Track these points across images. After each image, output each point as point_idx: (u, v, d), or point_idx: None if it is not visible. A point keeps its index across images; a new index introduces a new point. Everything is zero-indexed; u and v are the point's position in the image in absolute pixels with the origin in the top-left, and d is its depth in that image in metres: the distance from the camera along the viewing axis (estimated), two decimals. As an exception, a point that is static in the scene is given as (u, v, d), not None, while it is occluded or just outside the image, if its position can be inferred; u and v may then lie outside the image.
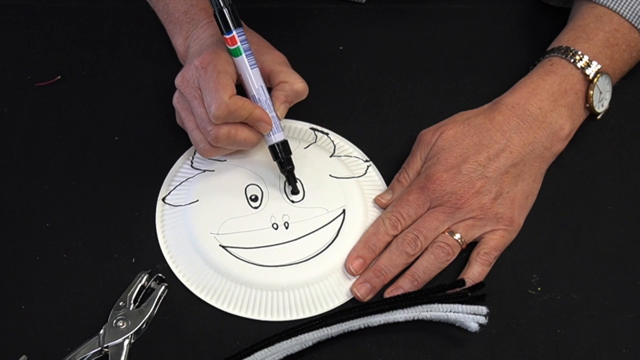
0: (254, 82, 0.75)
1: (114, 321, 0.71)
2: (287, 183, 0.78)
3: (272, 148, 0.76)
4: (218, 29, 0.76)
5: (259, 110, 0.74)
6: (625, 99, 0.86)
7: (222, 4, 0.73)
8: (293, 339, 0.69)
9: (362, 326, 0.70)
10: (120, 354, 0.69)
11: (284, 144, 0.76)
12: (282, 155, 0.76)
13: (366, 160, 0.83)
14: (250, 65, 0.75)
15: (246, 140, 0.75)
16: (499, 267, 0.76)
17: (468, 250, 0.76)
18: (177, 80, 0.76)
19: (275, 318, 0.73)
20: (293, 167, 0.77)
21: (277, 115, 0.76)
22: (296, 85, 0.77)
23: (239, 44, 0.74)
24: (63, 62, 0.89)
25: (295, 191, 0.78)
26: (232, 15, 0.74)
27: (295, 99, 0.78)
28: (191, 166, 0.81)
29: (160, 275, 0.74)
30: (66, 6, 0.88)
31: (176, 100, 0.78)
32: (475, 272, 0.74)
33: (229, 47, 0.74)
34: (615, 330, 0.72)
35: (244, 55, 0.74)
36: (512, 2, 0.96)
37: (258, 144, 0.77)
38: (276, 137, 0.76)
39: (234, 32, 0.73)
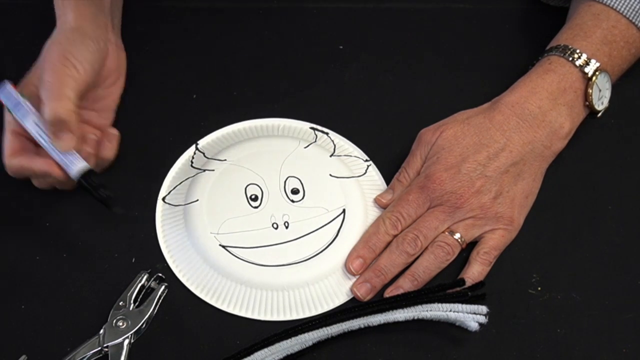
0: (31, 130, 0.73)
1: (114, 321, 0.71)
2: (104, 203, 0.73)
3: (79, 183, 0.72)
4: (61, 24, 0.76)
5: (37, 163, 0.73)
6: (625, 98, 0.86)
7: None
8: (293, 338, 0.69)
9: (362, 326, 0.70)
10: (120, 354, 0.69)
11: (88, 173, 0.72)
12: (88, 184, 0.72)
13: (366, 160, 0.83)
14: (23, 116, 0.73)
15: (50, 184, 0.76)
16: (499, 267, 0.76)
17: (468, 249, 0.76)
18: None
19: (275, 318, 0.73)
20: (108, 193, 0.72)
21: (60, 149, 0.72)
22: (46, 114, 0.71)
23: (5, 104, 0.73)
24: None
25: (110, 208, 0.72)
26: None
27: (58, 127, 0.71)
28: (191, 166, 0.81)
29: (160, 275, 0.74)
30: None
31: None
32: (475, 272, 0.74)
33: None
34: (615, 330, 0.72)
35: (12, 113, 0.72)
36: (512, 2, 0.96)
37: None
38: (74, 169, 0.72)
39: None
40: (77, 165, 0.73)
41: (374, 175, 0.82)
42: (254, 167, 0.80)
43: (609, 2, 0.82)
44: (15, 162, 0.74)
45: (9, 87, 0.72)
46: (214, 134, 0.84)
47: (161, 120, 0.84)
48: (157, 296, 0.72)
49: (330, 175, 0.81)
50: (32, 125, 0.73)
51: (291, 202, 0.78)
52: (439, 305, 0.70)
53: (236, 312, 0.73)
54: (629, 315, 0.73)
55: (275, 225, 0.77)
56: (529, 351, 0.71)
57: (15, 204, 0.79)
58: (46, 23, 0.94)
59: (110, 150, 0.78)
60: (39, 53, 0.90)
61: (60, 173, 0.73)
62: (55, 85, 0.72)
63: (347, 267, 0.75)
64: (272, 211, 0.77)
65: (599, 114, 0.84)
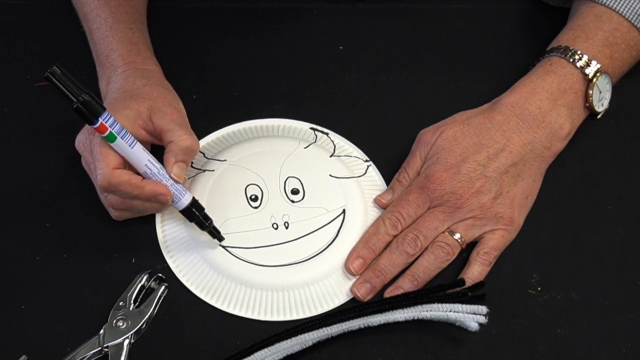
0: (139, 160, 0.71)
1: (114, 321, 0.71)
2: (212, 235, 0.75)
3: (184, 212, 0.74)
4: (130, 78, 0.75)
5: (149, 186, 0.71)
6: (625, 99, 0.86)
7: (74, 100, 0.68)
8: (293, 339, 0.69)
9: (362, 326, 0.70)
10: (120, 354, 0.69)
11: (194, 203, 0.74)
12: (197, 214, 0.74)
13: (366, 160, 0.83)
14: (130, 145, 0.70)
15: (145, 209, 0.74)
16: (499, 267, 0.76)
17: (468, 250, 0.76)
18: (76, 143, 0.75)
19: (275, 318, 0.73)
20: (212, 221, 0.74)
21: (173, 179, 0.72)
22: (182, 142, 0.72)
23: (109, 129, 0.69)
24: (63, 62, 0.89)
25: (220, 239, 0.75)
26: (90, 105, 0.68)
27: (187, 157, 0.73)
28: (191, 166, 0.81)
29: (160, 275, 0.74)
30: (67, 6, 0.88)
31: (83, 162, 0.77)
32: (475, 272, 0.74)
33: (101, 135, 0.70)
34: (615, 330, 0.72)
35: (118, 138, 0.70)
36: (512, 2, 0.96)
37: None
38: (184, 201, 0.73)
39: (100, 120, 0.68)
40: (186, 195, 0.73)
41: (374, 175, 0.82)
42: (254, 167, 0.80)
43: (611, 4, 0.82)
44: (123, 175, 0.70)
45: (109, 115, 0.70)
46: (213, 134, 0.84)
47: (161, 120, 0.84)
48: (157, 296, 0.72)
49: (330, 175, 0.81)
50: (141, 153, 0.71)
51: (291, 203, 0.78)
52: (439, 305, 0.70)
53: (236, 312, 0.73)
54: (629, 315, 0.73)
55: (275, 226, 0.77)
56: (529, 351, 0.71)
57: (15, 204, 0.79)
58: (46, 23, 0.94)
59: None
60: (39, 53, 0.90)
61: (171, 198, 0.72)
62: (184, 121, 0.75)
63: (347, 267, 0.75)
64: (272, 211, 0.77)
65: (599, 116, 0.84)
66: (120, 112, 0.72)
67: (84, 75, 0.87)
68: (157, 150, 0.75)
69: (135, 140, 0.71)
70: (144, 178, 0.72)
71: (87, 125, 0.73)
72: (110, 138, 0.70)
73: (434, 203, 0.76)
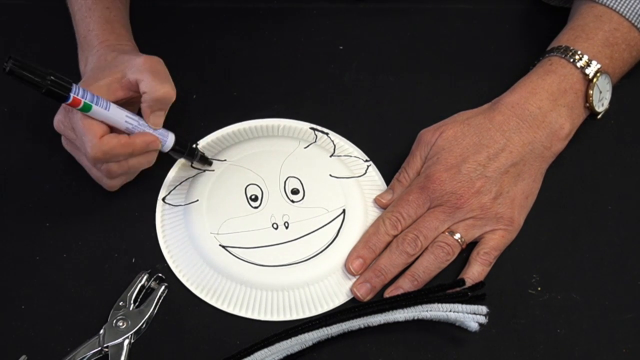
0: (118, 118, 0.72)
1: (114, 321, 0.71)
2: (202, 162, 0.79)
3: (172, 151, 0.76)
4: (102, 56, 0.76)
5: (138, 139, 0.73)
6: (625, 99, 0.86)
7: (41, 84, 0.68)
8: (293, 339, 0.69)
9: (362, 326, 0.70)
10: (120, 354, 0.69)
11: (178, 141, 0.76)
12: (183, 150, 0.77)
13: (366, 160, 0.83)
14: (105, 108, 0.71)
15: (141, 164, 0.75)
16: (499, 267, 0.76)
17: (468, 250, 0.76)
18: (55, 125, 0.76)
19: (275, 318, 0.73)
20: (198, 150, 0.78)
21: (153, 125, 0.74)
22: (156, 93, 0.73)
23: (82, 100, 0.70)
24: (63, 62, 0.89)
25: (208, 162, 0.79)
26: (57, 85, 0.68)
27: (162, 106, 0.74)
28: (191, 166, 0.81)
29: (160, 275, 0.74)
30: (66, 6, 0.88)
31: (64, 143, 0.77)
32: (475, 272, 0.74)
33: (77, 108, 0.70)
34: (615, 330, 0.72)
35: (93, 105, 0.71)
36: (512, 2, 0.96)
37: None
38: (169, 142, 0.76)
39: (72, 95, 0.69)
40: (169, 137, 0.76)
41: (374, 175, 0.82)
42: (254, 167, 0.80)
43: (611, 4, 0.82)
44: (113, 141, 0.71)
45: (77, 87, 0.71)
46: (214, 134, 0.84)
47: (161, 120, 0.84)
48: (157, 296, 0.72)
49: (330, 175, 0.81)
50: (117, 111, 0.72)
51: (291, 203, 0.78)
52: (439, 305, 0.70)
53: (236, 312, 0.73)
54: (629, 315, 0.73)
55: (275, 226, 0.77)
56: (529, 351, 0.71)
57: (15, 204, 0.79)
58: (46, 23, 0.94)
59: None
60: (39, 53, 0.90)
61: (160, 142, 0.74)
62: (156, 67, 0.75)
63: (347, 267, 0.75)
64: (272, 211, 0.77)
65: (599, 116, 0.84)
66: (92, 85, 0.72)
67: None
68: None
69: (109, 102, 0.72)
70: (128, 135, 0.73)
71: (62, 105, 0.74)
72: (86, 108, 0.71)
73: (434, 203, 0.76)
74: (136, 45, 0.83)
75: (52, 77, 0.68)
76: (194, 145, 0.79)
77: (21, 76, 0.67)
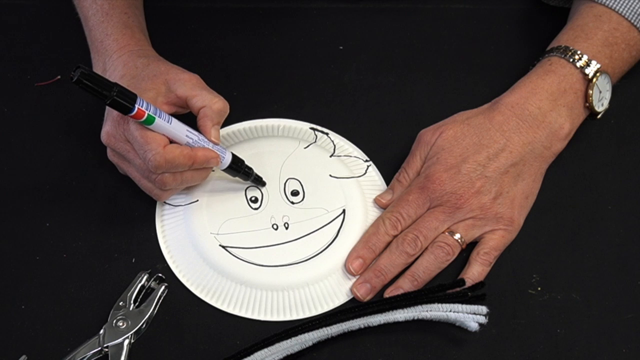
0: (180, 132, 0.72)
1: (114, 321, 0.71)
2: (255, 182, 0.79)
3: (229, 168, 0.76)
4: (129, 62, 0.76)
5: (200, 153, 0.73)
6: (625, 99, 0.86)
7: (107, 95, 0.68)
8: (293, 339, 0.69)
9: (362, 326, 0.70)
10: (120, 354, 0.69)
11: (235, 159, 0.76)
12: (241, 168, 0.77)
13: (366, 160, 0.83)
14: (168, 121, 0.72)
15: (194, 179, 0.75)
16: (499, 267, 0.76)
17: (468, 250, 0.76)
18: (103, 138, 0.75)
19: (275, 318, 0.73)
20: (253, 170, 0.78)
21: (214, 142, 0.74)
22: (215, 105, 0.74)
23: (147, 112, 0.70)
24: (63, 62, 0.89)
25: (262, 183, 0.79)
26: (123, 96, 0.69)
27: (221, 119, 0.75)
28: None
29: (160, 275, 0.74)
30: (66, 6, 0.88)
31: (111, 155, 0.77)
32: (475, 272, 0.74)
33: (139, 120, 0.71)
34: (615, 330, 0.72)
35: (157, 118, 0.71)
36: (512, 2, 0.96)
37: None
38: (227, 159, 0.76)
39: (137, 107, 0.69)
40: (227, 155, 0.76)
41: (374, 175, 0.82)
42: (254, 167, 0.80)
43: (610, 4, 0.82)
44: (176, 151, 0.71)
45: (142, 99, 0.70)
46: (214, 134, 0.84)
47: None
48: (157, 296, 0.72)
49: (330, 175, 0.81)
50: (180, 126, 0.72)
51: (291, 204, 0.78)
52: (439, 305, 0.70)
53: (236, 312, 0.73)
54: (629, 315, 0.73)
55: (275, 226, 0.77)
56: (529, 351, 0.71)
57: (15, 204, 0.79)
58: (46, 23, 0.94)
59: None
60: (39, 53, 0.90)
61: (219, 161, 0.74)
62: (204, 85, 0.76)
63: (346, 268, 0.75)
64: (272, 213, 0.77)
65: (599, 116, 0.84)
66: (141, 97, 0.72)
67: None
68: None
69: (170, 116, 0.72)
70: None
71: (111, 117, 0.73)
72: (149, 120, 0.71)
73: (434, 203, 0.76)
74: (154, 50, 0.82)
75: (116, 88, 0.68)
76: (250, 166, 0.78)
77: (87, 87, 0.67)
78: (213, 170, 0.78)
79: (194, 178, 0.75)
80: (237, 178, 0.78)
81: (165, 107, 0.74)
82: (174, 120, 0.72)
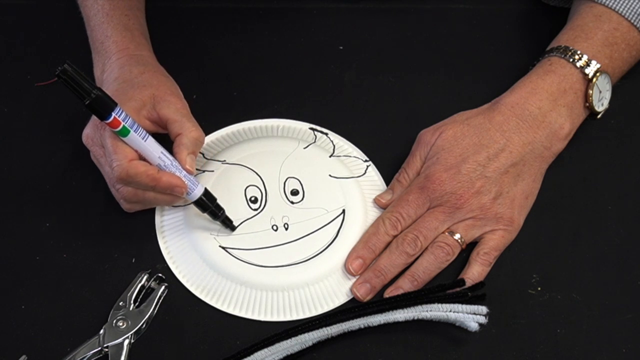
0: (153, 151, 0.71)
1: (114, 321, 0.71)
2: (224, 224, 0.76)
3: (197, 203, 0.74)
4: (125, 66, 0.75)
5: (165, 178, 0.71)
6: (625, 99, 0.86)
7: (87, 96, 0.68)
8: (293, 339, 0.69)
9: (362, 326, 0.70)
10: (120, 354, 0.69)
11: (207, 194, 0.74)
12: (209, 205, 0.74)
13: (366, 160, 0.83)
14: (143, 138, 0.71)
15: (158, 201, 0.74)
16: (499, 267, 0.76)
17: (468, 250, 0.76)
18: (83, 138, 0.75)
19: (275, 318, 0.73)
20: (224, 211, 0.75)
21: (188, 170, 0.73)
22: (191, 134, 0.73)
23: (122, 123, 0.69)
24: (63, 62, 0.89)
25: (232, 228, 0.76)
26: (102, 100, 0.68)
27: (197, 148, 0.74)
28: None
29: (160, 275, 0.74)
30: (66, 6, 0.88)
31: (92, 156, 0.77)
32: (475, 272, 0.74)
33: (113, 130, 0.70)
34: (615, 330, 0.72)
35: (132, 132, 0.70)
36: (512, 2, 0.96)
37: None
38: (197, 192, 0.73)
39: (113, 115, 0.69)
40: (198, 186, 0.74)
41: (374, 175, 0.82)
42: (254, 168, 0.80)
43: (610, 3, 0.82)
44: (140, 167, 0.70)
45: (121, 110, 0.70)
46: (213, 134, 0.84)
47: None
48: (157, 296, 0.72)
49: (330, 175, 0.81)
50: (155, 145, 0.71)
51: (291, 204, 0.78)
52: (439, 305, 0.70)
53: (236, 312, 0.73)
54: (629, 315, 0.73)
55: (275, 227, 0.77)
56: (529, 351, 0.71)
57: (15, 204, 0.79)
58: (46, 23, 0.94)
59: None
60: (39, 53, 0.90)
61: (186, 190, 0.72)
62: (188, 112, 0.76)
63: (346, 268, 0.75)
64: (271, 213, 0.77)
65: (599, 115, 0.84)
66: (125, 104, 0.72)
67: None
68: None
69: (147, 133, 0.71)
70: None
71: (93, 119, 0.74)
72: (124, 132, 0.70)
73: (434, 203, 0.76)
74: (153, 53, 0.82)
75: (97, 92, 0.68)
76: (221, 206, 0.75)
77: (69, 83, 0.67)
78: (185, 199, 0.74)
79: (157, 200, 0.74)
80: (206, 214, 0.75)
81: (146, 122, 0.74)
82: (150, 139, 0.71)
